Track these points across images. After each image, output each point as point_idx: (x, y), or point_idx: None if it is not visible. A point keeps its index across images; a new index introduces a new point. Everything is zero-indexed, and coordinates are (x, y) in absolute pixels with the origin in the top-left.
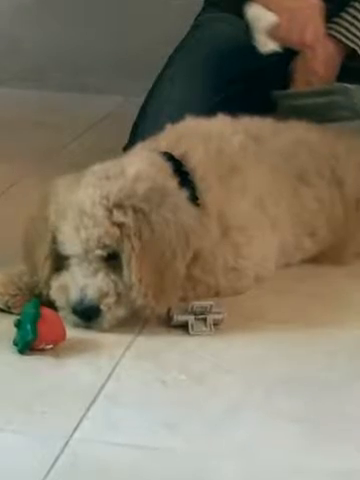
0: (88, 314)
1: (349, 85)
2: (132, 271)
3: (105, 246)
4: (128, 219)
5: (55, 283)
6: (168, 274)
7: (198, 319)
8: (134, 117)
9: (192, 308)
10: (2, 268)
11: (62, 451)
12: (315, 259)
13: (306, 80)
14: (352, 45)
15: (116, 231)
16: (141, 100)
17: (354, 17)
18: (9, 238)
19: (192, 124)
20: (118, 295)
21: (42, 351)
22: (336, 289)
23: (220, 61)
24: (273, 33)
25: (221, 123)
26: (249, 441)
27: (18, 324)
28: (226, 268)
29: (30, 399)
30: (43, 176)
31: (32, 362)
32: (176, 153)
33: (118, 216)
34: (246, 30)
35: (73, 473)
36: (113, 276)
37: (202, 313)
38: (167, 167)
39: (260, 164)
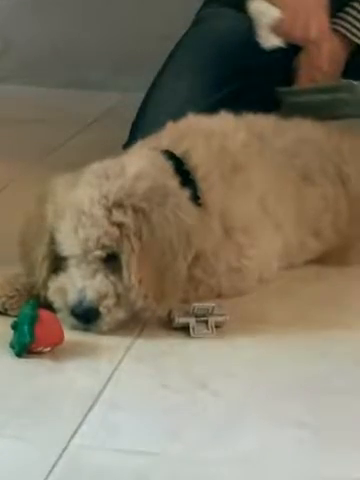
0: (87, 316)
1: (354, 81)
2: (132, 272)
3: (104, 246)
4: (128, 219)
5: (53, 284)
6: (169, 275)
7: (200, 321)
8: (134, 114)
9: (193, 310)
10: None
11: (60, 457)
12: (320, 260)
13: (310, 76)
14: (357, 40)
15: (115, 231)
16: (141, 96)
17: (359, 12)
18: (6, 238)
19: (193, 121)
20: (117, 297)
21: (39, 354)
22: (341, 291)
23: (222, 57)
24: (276, 29)
25: (223, 120)
26: (251, 447)
27: (15, 326)
28: (228, 269)
29: (27, 403)
30: (41, 174)
31: (29, 365)
32: (177, 151)
33: (118, 216)
34: (249, 25)
35: (71, 479)
36: (112, 277)
37: (204, 315)
38: (168, 166)
39: (263, 162)
